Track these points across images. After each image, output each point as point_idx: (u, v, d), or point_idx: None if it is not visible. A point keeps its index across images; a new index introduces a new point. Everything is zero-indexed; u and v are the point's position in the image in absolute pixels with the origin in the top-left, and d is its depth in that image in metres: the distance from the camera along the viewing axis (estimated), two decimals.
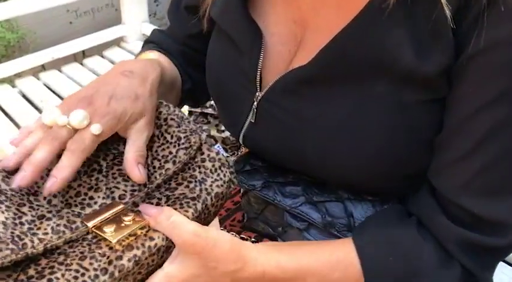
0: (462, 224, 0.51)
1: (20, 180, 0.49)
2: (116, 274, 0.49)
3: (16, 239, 0.48)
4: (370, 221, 0.58)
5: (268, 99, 0.59)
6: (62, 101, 0.55)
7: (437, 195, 0.53)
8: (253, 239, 0.67)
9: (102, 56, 2.38)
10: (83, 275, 0.48)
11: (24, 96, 2.07)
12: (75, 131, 0.50)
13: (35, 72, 2.20)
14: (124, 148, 0.56)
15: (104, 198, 0.54)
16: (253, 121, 0.61)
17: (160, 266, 0.51)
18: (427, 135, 0.53)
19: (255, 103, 0.60)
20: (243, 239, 0.67)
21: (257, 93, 0.60)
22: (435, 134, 0.52)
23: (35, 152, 0.50)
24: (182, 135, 0.58)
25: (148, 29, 2.35)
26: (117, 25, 2.43)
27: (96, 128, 0.50)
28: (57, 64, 2.24)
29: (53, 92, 2.10)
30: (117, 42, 2.45)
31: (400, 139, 0.52)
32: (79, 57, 2.41)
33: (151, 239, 0.51)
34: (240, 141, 0.65)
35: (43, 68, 2.26)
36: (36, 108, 1.98)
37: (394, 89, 0.51)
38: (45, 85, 2.13)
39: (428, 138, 0.53)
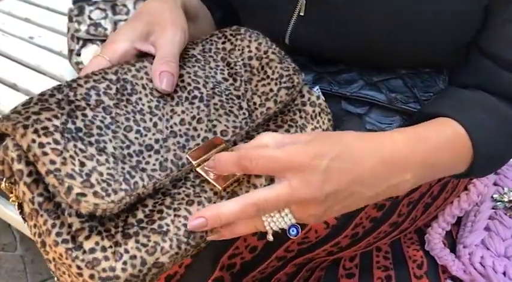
0: None
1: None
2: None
3: (127, 176, 0.43)
4: (449, 97, 0.59)
5: None
6: None
7: (498, 61, 0.56)
8: None
9: None
10: None
11: None
12: None
13: None
14: (220, 78, 0.53)
15: (206, 131, 0.50)
16: (302, 14, 0.59)
17: None
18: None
19: None
20: None
21: None
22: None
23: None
24: (285, 73, 0.54)
25: None
26: None
27: None
28: None
29: None
30: None
31: (470, 5, 0.54)
32: None
33: (254, 186, 0.48)
34: (287, 41, 0.63)
35: None
36: None
37: None
38: None
39: (484, 3, 0.55)
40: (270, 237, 0.46)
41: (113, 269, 0.41)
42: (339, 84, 0.62)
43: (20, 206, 0.45)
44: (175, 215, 0.44)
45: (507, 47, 0.55)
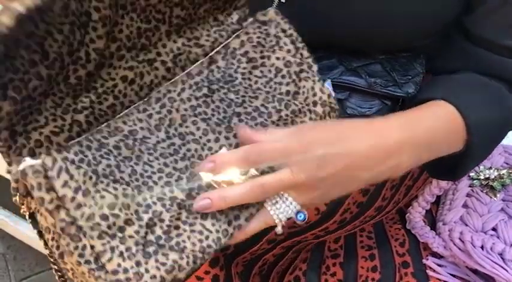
0: None
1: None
2: (233, 234, 0.47)
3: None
4: (440, 82, 0.60)
5: None
6: None
7: (483, 44, 0.58)
8: None
9: None
10: (207, 238, 0.45)
11: None
12: None
13: None
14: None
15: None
16: (283, 1, 0.61)
17: None
18: None
19: None
20: None
21: None
22: None
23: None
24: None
25: None
26: None
27: None
28: None
29: None
30: None
31: None
32: None
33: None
34: None
35: None
36: None
37: None
38: None
39: None
40: (279, 230, 0.48)
41: None
42: (321, 70, 0.64)
43: (31, 216, 0.45)
44: (191, 231, 0.45)
45: (499, 32, 0.58)
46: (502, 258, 0.65)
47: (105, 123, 0.47)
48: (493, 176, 0.77)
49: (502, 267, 0.65)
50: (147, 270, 0.42)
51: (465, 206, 0.74)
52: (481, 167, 0.79)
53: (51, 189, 0.41)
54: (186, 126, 0.49)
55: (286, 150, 0.45)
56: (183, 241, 0.44)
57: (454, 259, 0.70)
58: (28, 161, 0.41)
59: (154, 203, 0.45)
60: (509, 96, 0.60)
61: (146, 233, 0.44)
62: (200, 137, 0.49)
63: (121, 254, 0.42)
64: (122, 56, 0.47)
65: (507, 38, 0.58)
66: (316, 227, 0.64)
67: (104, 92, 0.47)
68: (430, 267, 0.69)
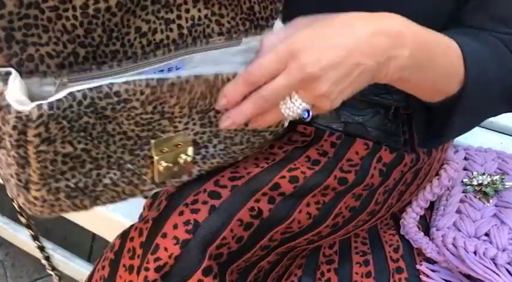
0: None
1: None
2: None
3: None
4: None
5: None
6: None
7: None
8: None
9: None
10: None
11: None
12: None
13: None
14: None
15: None
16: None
17: None
18: None
19: None
20: None
21: None
22: None
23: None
24: None
25: None
26: None
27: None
28: None
29: None
30: None
31: None
32: None
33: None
34: None
35: None
36: None
37: None
38: None
39: None
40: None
41: None
42: None
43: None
44: None
45: (493, 21, 0.59)
46: (494, 263, 0.66)
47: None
48: (486, 182, 0.78)
49: (494, 272, 0.65)
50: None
51: (458, 211, 0.75)
52: (474, 173, 0.80)
53: (22, 132, 0.43)
54: (169, 106, 0.51)
55: (283, 58, 0.47)
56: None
57: (447, 264, 0.70)
58: (16, 103, 0.42)
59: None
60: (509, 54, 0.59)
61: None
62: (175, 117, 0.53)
63: None
64: (145, 6, 0.48)
65: (497, 26, 0.59)
66: (308, 232, 0.65)
67: (116, 37, 0.48)
68: (424, 273, 0.70)
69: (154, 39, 0.50)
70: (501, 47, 0.59)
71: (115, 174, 0.52)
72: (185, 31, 0.52)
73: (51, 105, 0.43)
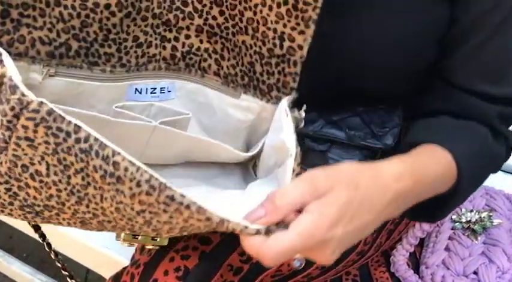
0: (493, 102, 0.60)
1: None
2: None
3: None
4: (433, 126, 0.62)
5: None
6: None
7: (460, 88, 0.61)
8: None
9: None
10: None
11: None
12: None
13: None
14: None
15: None
16: None
17: None
18: (440, 32, 0.59)
19: None
20: None
21: None
22: (445, 30, 0.59)
23: None
24: None
25: None
26: None
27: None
28: None
29: None
30: None
31: (417, 36, 0.59)
32: None
33: None
34: None
35: None
36: None
37: None
38: None
39: (440, 35, 0.60)
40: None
41: None
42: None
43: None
44: None
45: (475, 78, 0.60)
46: None
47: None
48: (474, 219, 0.79)
49: None
50: None
51: (447, 249, 0.76)
52: (463, 210, 0.81)
53: (16, 116, 0.41)
54: (158, 221, 0.44)
55: (301, 251, 0.43)
56: None
57: None
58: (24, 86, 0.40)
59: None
60: (493, 144, 0.62)
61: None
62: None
63: None
64: (146, 17, 0.48)
65: (482, 83, 0.60)
66: (298, 274, 0.66)
67: (112, 40, 0.47)
68: None
69: (148, 53, 0.50)
70: (487, 136, 0.60)
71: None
72: (178, 54, 0.52)
73: (50, 113, 0.40)
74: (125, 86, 0.53)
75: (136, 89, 0.53)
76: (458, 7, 0.58)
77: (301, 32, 0.49)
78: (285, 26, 0.49)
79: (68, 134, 0.40)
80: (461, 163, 0.55)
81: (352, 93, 0.64)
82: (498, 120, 0.62)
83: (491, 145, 0.61)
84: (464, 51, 0.60)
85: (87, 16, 0.45)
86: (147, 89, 0.53)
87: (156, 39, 0.50)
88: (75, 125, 0.40)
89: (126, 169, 0.40)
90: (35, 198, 0.45)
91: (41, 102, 0.40)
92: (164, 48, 0.51)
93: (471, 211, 0.80)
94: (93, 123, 0.46)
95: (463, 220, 0.79)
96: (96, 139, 0.40)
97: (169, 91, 0.55)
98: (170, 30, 0.51)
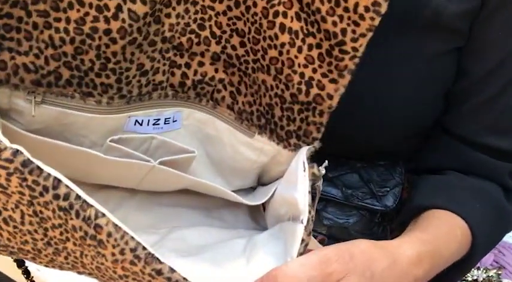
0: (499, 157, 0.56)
1: None
2: None
3: None
4: (441, 188, 0.58)
5: None
6: None
7: (467, 142, 0.57)
8: None
9: None
10: None
11: None
12: None
13: None
14: None
15: None
16: None
17: None
18: (447, 86, 0.55)
19: None
20: None
21: None
22: (452, 84, 0.56)
23: None
24: None
25: None
26: None
27: None
28: None
29: None
30: None
31: (425, 91, 0.55)
32: None
33: None
34: None
35: None
36: None
37: (419, 42, 0.52)
38: None
39: (447, 89, 0.56)
40: None
41: None
42: None
43: None
44: None
45: (479, 131, 0.57)
46: None
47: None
48: (481, 278, 0.73)
49: None
50: None
51: None
52: None
53: None
54: None
55: None
56: None
57: None
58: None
59: None
60: (506, 205, 0.58)
61: None
62: None
63: None
64: (154, 42, 0.42)
65: (492, 137, 0.57)
66: None
67: (112, 70, 0.41)
68: None
69: (153, 80, 0.44)
70: (500, 197, 0.57)
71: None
72: (189, 82, 0.45)
73: (26, 164, 0.35)
74: (123, 118, 0.46)
75: (136, 120, 0.47)
76: (471, 58, 0.54)
77: (333, 81, 0.43)
78: (314, 71, 0.43)
79: (46, 188, 0.35)
80: (476, 231, 0.53)
81: (350, 149, 0.59)
82: (509, 178, 0.58)
83: (504, 206, 0.58)
84: (474, 105, 0.56)
85: (82, 42, 0.39)
86: (149, 120, 0.47)
87: (164, 64, 0.44)
88: (55, 178, 0.35)
89: (109, 234, 0.35)
90: (9, 240, 0.41)
91: (16, 151, 0.35)
92: (173, 74, 0.45)
93: (478, 269, 0.75)
94: (83, 159, 0.42)
95: (469, 278, 0.74)
96: (77, 197, 0.35)
97: (174, 121, 0.48)
98: (182, 55, 0.44)
